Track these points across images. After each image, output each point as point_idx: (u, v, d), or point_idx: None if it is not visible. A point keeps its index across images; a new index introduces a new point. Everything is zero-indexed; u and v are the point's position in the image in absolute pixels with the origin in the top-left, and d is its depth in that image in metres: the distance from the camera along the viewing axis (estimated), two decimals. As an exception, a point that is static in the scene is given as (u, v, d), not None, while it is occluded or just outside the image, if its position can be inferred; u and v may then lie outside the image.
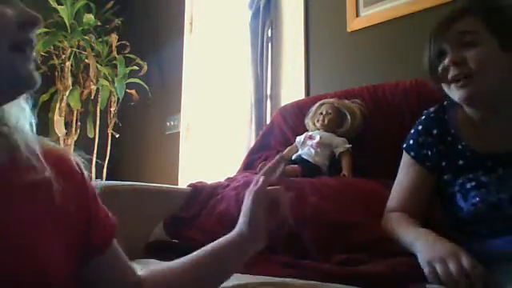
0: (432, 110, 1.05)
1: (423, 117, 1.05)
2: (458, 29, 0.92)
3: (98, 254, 0.54)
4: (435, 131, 1.01)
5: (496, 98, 0.92)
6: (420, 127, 1.04)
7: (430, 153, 1.00)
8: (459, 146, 0.97)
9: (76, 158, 0.55)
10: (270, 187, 0.66)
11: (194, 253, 0.65)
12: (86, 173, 0.55)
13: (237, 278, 0.74)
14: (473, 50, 0.89)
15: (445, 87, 0.96)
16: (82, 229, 0.51)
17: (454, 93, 0.93)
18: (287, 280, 0.75)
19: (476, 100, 0.93)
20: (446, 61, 0.92)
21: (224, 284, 0.66)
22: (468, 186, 0.92)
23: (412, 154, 1.03)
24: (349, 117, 1.50)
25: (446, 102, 1.04)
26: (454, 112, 1.01)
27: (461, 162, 0.95)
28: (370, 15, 1.83)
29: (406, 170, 1.04)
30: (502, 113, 0.94)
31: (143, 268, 0.66)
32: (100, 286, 0.55)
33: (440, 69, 0.94)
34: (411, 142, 1.04)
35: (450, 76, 0.92)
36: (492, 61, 0.89)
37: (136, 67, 2.85)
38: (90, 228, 0.52)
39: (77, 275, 0.51)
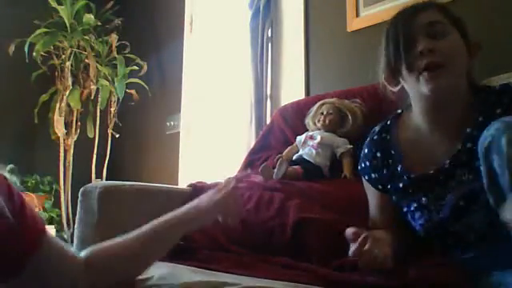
0: (376, 129, 1.05)
1: (368, 138, 1.06)
2: (427, 19, 0.90)
3: (33, 250, 0.62)
4: (378, 154, 1.02)
5: (451, 96, 0.90)
6: (366, 150, 1.05)
7: (378, 176, 1.02)
8: (398, 169, 0.97)
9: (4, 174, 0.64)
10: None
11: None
12: (13, 184, 0.63)
13: (240, 280, 0.74)
14: (444, 40, 0.88)
15: (409, 81, 0.91)
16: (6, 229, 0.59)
17: (422, 84, 0.87)
18: (290, 284, 0.74)
19: (443, 93, 0.89)
20: (419, 48, 0.87)
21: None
22: (412, 207, 0.94)
23: (366, 177, 1.05)
24: (350, 117, 1.49)
25: (388, 122, 1.03)
26: (397, 129, 1.01)
27: (401, 185, 0.96)
28: (370, 15, 1.83)
29: (367, 191, 1.07)
30: (443, 123, 0.92)
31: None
32: (49, 277, 0.65)
33: (410, 58, 0.89)
34: (363, 165, 1.06)
35: (423, 64, 0.87)
36: (460, 52, 0.90)
37: (136, 67, 2.84)
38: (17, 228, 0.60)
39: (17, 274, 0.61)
